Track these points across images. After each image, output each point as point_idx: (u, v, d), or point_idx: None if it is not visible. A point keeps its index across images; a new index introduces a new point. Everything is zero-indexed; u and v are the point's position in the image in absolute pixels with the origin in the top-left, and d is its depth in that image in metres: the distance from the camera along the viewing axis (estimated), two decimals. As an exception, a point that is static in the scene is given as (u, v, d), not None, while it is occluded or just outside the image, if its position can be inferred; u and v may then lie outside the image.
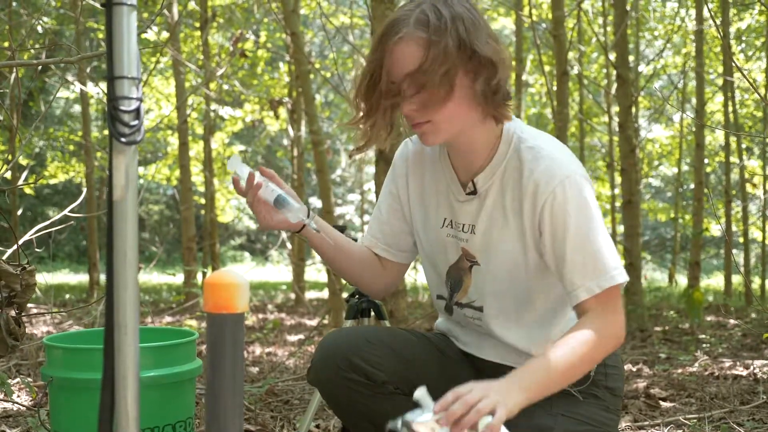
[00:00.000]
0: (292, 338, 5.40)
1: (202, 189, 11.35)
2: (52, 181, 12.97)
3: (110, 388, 1.03)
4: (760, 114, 10.88)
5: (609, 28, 9.02)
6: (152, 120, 10.67)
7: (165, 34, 8.94)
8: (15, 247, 2.62)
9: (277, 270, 19.54)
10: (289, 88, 9.75)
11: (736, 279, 10.61)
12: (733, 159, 10.07)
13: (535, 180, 1.46)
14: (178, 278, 9.99)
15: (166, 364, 1.66)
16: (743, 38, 10.29)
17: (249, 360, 4.21)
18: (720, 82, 9.40)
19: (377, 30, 1.60)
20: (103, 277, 8.38)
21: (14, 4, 6.36)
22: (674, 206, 13.92)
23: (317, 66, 10.61)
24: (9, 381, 2.75)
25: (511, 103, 1.50)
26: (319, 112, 10.80)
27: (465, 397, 1.22)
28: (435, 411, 1.19)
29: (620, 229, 9.48)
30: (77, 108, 16.50)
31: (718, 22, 7.62)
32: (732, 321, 6.32)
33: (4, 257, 2.48)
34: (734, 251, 11.12)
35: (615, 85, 7.14)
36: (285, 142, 15.24)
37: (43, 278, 5.92)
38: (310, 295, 10.30)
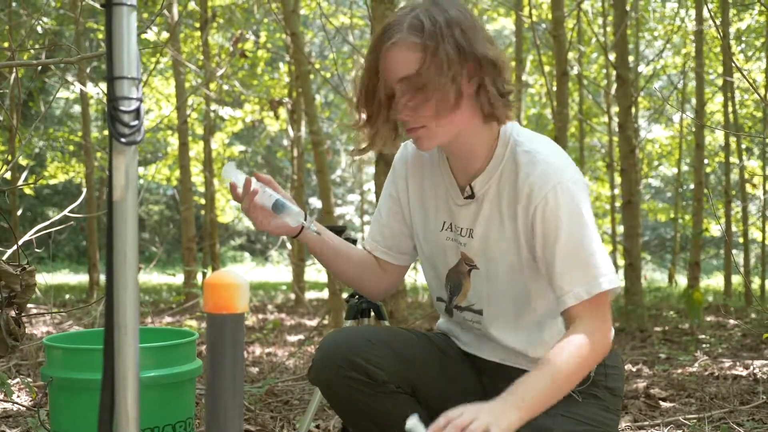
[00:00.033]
0: (292, 338, 5.40)
1: (202, 189, 11.35)
2: (52, 182, 12.97)
3: (110, 389, 1.03)
4: (759, 114, 10.88)
5: (609, 29, 9.02)
6: (152, 120, 10.67)
7: (165, 35, 8.94)
8: (15, 247, 2.62)
9: (277, 270, 19.54)
10: (289, 88, 9.75)
11: (736, 279, 10.61)
12: (733, 159, 10.07)
13: (529, 184, 1.46)
14: (178, 278, 9.99)
15: (166, 364, 1.66)
16: (743, 38, 10.29)
17: (249, 360, 4.21)
18: (720, 82, 9.40)
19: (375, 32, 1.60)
20: (103, 278, 8.37)
21: (14, 4, 6.36)
22: (674, 206, 13.92)
23: (317, 66, 10.61)
24: (9, 381, 2.75)
25: (513, 102, 1.50)
26: (319, 112, 10.80)
27: (456, 421, 1.22)
28: None
29: (620, 229, 9.48)
30: (77, 108, 16.50)
31: (717, 22, 7.62)
32: (732, 321, 6.32)
33: (3, 257, 2.48)
34: (734, 251, 11.12)
35: (615, 86, 7.14)
36: (285, 142, 15.24)
37: (43, 278, 5.92)
38: (310, 295, 10.30)
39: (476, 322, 1.64)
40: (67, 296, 9.06)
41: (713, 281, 15.27)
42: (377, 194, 3.55)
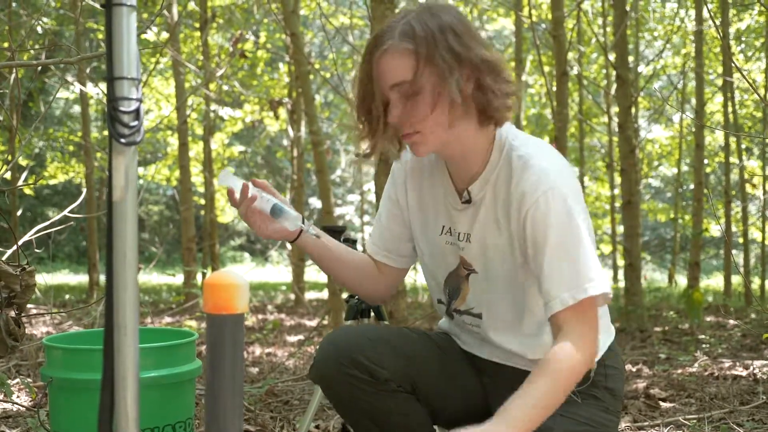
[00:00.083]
0: (292, 339, 5.40)
1: (201, 189, 11.35)
2: (52, 182, 12.98)
3: (110, 389, 1.03)
4: (759, 114, 10.89)
5: (609, 29, 9.03)
6: (152, 120, 10.68)
7: (165, 35, 8.94)
8: (15, 247, 2.62)
9: (277, 270, 19.55)
10: (289, 88, 9.76)
11: (736, 279, 10.62)
12: (733, 159, 10.07)
13: (521, 189, 1.45)
14: (178, 279, 10.00)
15: (165, 364, 1.66)
16: (743, 39, 10.30)
17: (249, 360, 4.21)
18: (719, 82, 9.40)
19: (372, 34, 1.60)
20: (102, 278, 8.37)
21: (14, 4, 6.36)
22: (674, 207, 13.93)
23: (317, 66, 10.61)
24: (9, 381, 2.76)
25: (512, 103, 1.49)
26: (318, 112, 10.80)
27: None
28: None
29: (620, 229, 9.49)
30: (77, 108, 16.51)
31: (717, 22, 7.63)
32: (732, 321, 6.32)
33: (3, 258, 2.48)
34: (734, 252, 11.12)
35: (614, 86, 7.14)
36: (285, 142, 15.24)
37: (42, 279, 5.92)
38: (309, 295, 10.31)
39: (475, 326, 1.64)
40: (67, 296, 9.06)
41: (713, 281, 15.27)
42: (377, 194, 3.55)
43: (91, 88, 8.31)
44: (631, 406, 2.87)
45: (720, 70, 9.50)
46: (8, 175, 7.23)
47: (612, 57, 6.94)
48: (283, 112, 10.01)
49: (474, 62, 1.42)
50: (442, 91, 1.41)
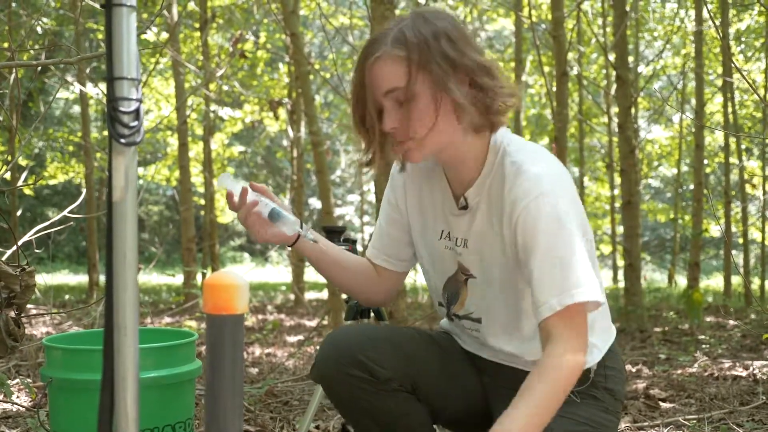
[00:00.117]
0: (292, 339, 5.40)
1: (201, 190, 11.36)
2: (52, 182, 12.98)
3: (110, 389, 1.03)
4: (759, 115, 10.89)
5: (608, 29, 9.03)
6: (152, 121, 10.68)
7: (164, 35, 8.94)
8: (14, 247, 2.62)
9: (277, 271, 19.55)
10: (289, 88, 9.76)
11: (736, 280, 10.62)
12: (733, 160, 10.08)
13: (513, 195, 1.44)
14: (178, 279, 10.00)
15: (165, 365, 1.66)
16: (743, 39, 10.30)
17: (248, 361, 4.21)
18: (719, 82, 9.41)
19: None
20: (102, 278, 8.38)
21: (14, 4, 6.36)
22: (674, 207, 13.94)
23: (317, 67, 10.61)
24: (8, 382, 2.75)
25: (507, 108, 1.49)
26: (318, 112, 10.80)
27: None
28: None
29: (620, 229, 9.49)
30: (77, 109, 16.52)
31: (717, 23, 7.63)
32: (731, 322, 6.33)
33: (3, 258, 2.48)
34: (734, 252, 11.13)
35: (614, 86, 7.14)
36: (284, 142, 15.24)
37: (42, 279, 5.92)
38: (309, 295, 10.31)
39: (475, 330, 1.64)
40: (67, 297, 9.06)
41: (713, 282, 15.28)
42: (377, 195, 3.55)
43: (90, 89, 8.31)
44: (630, 407, 2.87)
45: (720, 70, 9.50)
46: (8, 176, 7.23)
47: (612, 57, 6.94)
48: (282, 113, 10.01)
49: (469, 67, 1.42)
50: (436, 97, 1.42)
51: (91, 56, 2.53)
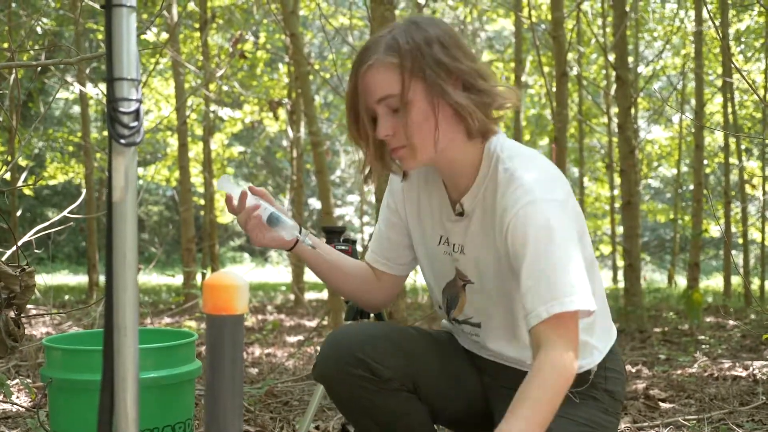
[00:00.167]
0: (292, 339, 5.40)
1: (201, 190, 11.36)
2: (52, 182, 12.98)
3: (110, 390, 1.03)
4: (759, 115, 10.90)
5: (608, 29, 9.03)
6: (152, 121, 10.68)
7: (164, 35, 8.94)
8: (14, 248, 2.62)
9: (277, 271, 19.55)
10: (289, 89, 9.75)
11: (736, 280, 10.62)
12: (733, 160, 10.08)
13: (504, 202, 1.44)
14: (178, 279, 9.99)
15: (165, 365, 1.66)
16: (742, 39, 10.30)
17: (248, 361, 4.21)
18: (719, 83, 9.41)
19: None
20: (102, 279, 8.37)
21: (14, 5, 6.36)
22: (673, 207, 13.94)
23: (316, 67, 10.61)
24: (8, 382, 2.75)
25: (506, 109, 1.48)
26: (318, 113, 10.81)
27: None
28: None
29: (620, 230, 9.48)
30: (76, 109, 16.52)
31: (717, 23, 7.63)
32: (731, 322, 6.33)
33: (3, 258, 2.48)
34: (733, 252, 11.13)
35: (614, 86, 7.14)
36: (284, 143, 15.25)
37: (42, 279, 5.92)
38: (309, 296, 10.31)
39: (474, 335, 1.64)
40: (67, 297, 9.06)
41: (713, 282, 15.28)
42: (377, 195, 3.55)
43: (90, 89, 8.31)
44: (630, 407, 2.87)
45: (719, 70, 9.50)
46: (8, 176, 7.23)
47: (612, 57, 6.94)
48: (282, 113, 10.01)
49: (462, 73, 1.42)
50: (430, 104, 1.42)
51: (91, 57, 2.53)
